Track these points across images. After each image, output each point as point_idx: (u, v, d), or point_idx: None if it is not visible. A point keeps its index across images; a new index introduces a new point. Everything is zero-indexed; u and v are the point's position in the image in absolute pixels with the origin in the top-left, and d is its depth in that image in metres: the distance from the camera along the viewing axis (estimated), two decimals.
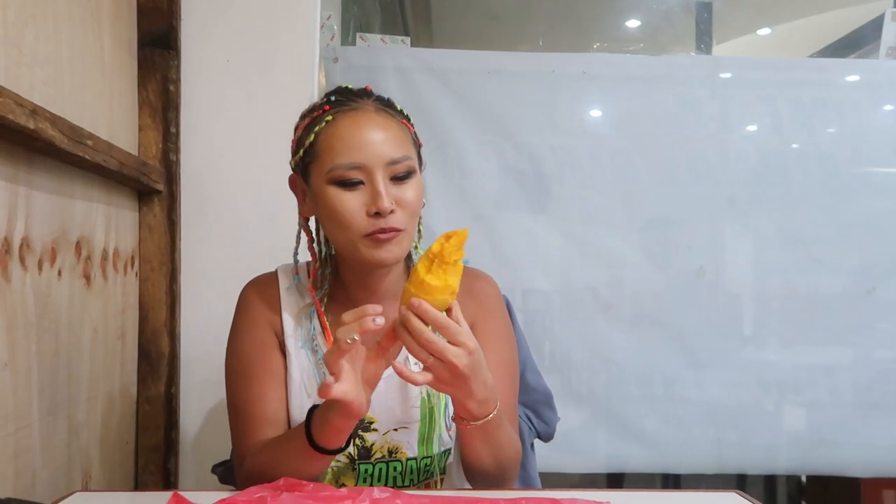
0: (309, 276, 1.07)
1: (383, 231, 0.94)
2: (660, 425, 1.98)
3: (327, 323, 1.05)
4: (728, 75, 2.00)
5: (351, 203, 0.95)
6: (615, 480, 2.12)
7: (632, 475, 2.08)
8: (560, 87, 1.97)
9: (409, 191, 0.97)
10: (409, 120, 1.05)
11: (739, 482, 2.11)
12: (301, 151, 1.00)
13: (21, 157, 1.07)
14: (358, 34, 2.32)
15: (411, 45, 2.30)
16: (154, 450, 1.59)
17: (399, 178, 0.97)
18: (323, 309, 1.06)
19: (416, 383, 0.87)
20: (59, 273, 1.19)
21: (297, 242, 1.09)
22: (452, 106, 1.94)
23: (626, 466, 2.01)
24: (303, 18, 1.71)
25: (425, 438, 1.04)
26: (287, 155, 1.06)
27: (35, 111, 1.01)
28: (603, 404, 1.98)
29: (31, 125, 1.00)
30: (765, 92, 2.00)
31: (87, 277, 1.31)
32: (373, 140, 0.96)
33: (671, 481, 2.13)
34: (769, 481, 2.36)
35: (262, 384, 1.03)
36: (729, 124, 2.00)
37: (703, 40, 2.88)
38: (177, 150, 1.63)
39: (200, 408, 1.66)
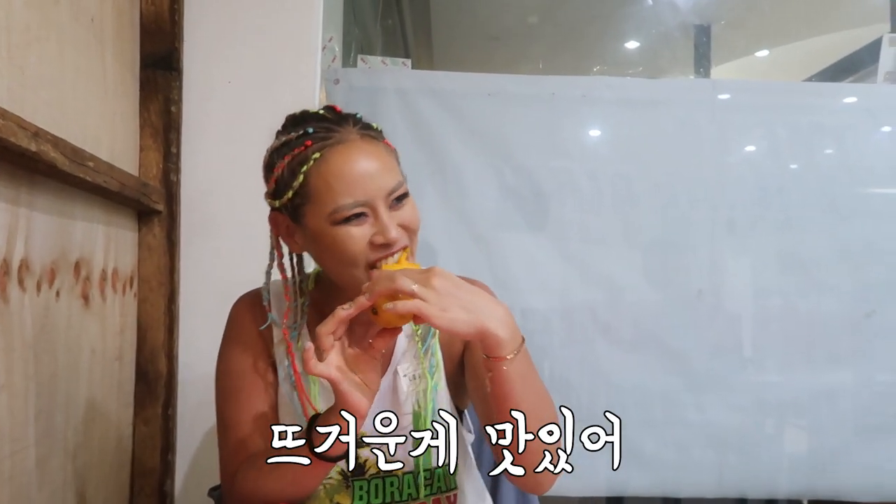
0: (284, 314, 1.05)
1: (391, 255, 0.94)
2: (659, 448, 1.96)
3: (298, 367, 1.03)
4: (726, 97, 2.01)
5: (357, 237, 0.93)
6: None
7: (631, 499, 2.06)
8: (560, 109, 1.98)
9: (407, 211, 0.97)
10: (387, 138, 1.03)
11: None
12: (290, 193, 0.96)
13: (23, 179, 1.08)
14: (359, 56, 2.33)
15: (412, 67, 2.31)
16: (150, 473, 1.57)
17: (396, 201, 0.96)
18: (295, 350, 1.03)
19: (415, 311, 0.81)
20: (58, 294, 1.19)
21: (268, 278, 1.07)
22: (452, 127, 1.95)
23: (625, 490, 1.99)
24: (304, 40, 1.73)
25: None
26: None
27: (37, 134, 1.01)
28: (602, 426, 1.96)
29: (34, 147, 1.00)
30: (763, 115, 2.01)
31: (86, 298, 1.31)
32: (370, 173, 0.94)
33: None
34: None
35: (252, 400, 1.03)
36: (728, 147, 2.00)
37: (702, 63, 2.91)
38: (177, 171, 1.64)
39: (198, 430, 1.65)
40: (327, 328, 0.84)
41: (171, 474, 1.62)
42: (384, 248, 0.93)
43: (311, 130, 0.96)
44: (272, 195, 1.00)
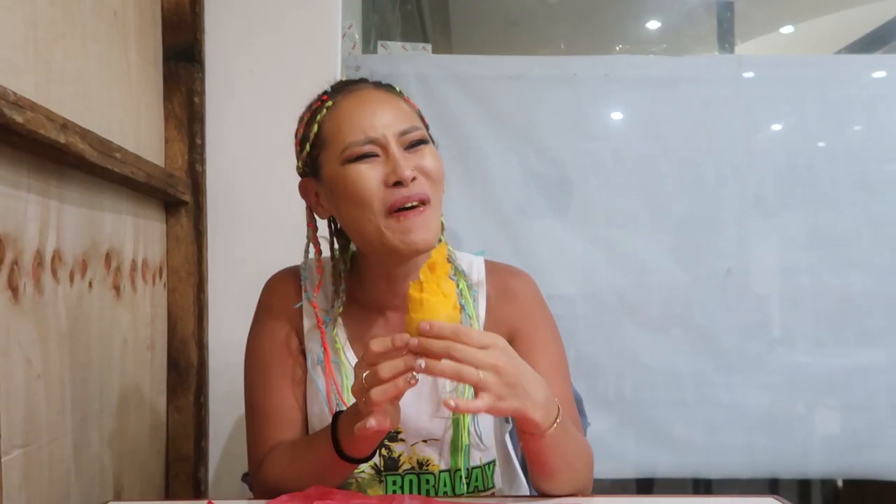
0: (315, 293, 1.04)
1: (408, 200, 0.91)
2: (690, 429, 1.95)
3: (330, 343, 1.02)
4: (752, 74, 1.98)
5: (369, 175, 0.91)
6: (645, 486, 2.10)
7: (662, 481, 2.05)
8: (583, 90, 1.96)
9: (427, 157, 0.95)
10: (410, 98, 1.03)
11: (773, 486, 2.07)
12: (307, 146, 0.98)
13: (52, 171, 1.09)
14: (379, 42, 2.32)
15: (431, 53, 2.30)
16: (184, 459, 1.60)
17: (414, 146, 0.94)
18: (328, 329, 1.02)
19: (479, 411, 0.80)
20: (90, 285, 1.21)
21: (307, 256, 1.06)
22: (475, 112, 1.94)
23: (655, 472, 1.99)
24: (324, 28, 1.72)
25: (458, 450, 1.00)
26: None
27: (65, 125, 1.03)
28: (631, 409, 1.96)
29: (62, 139, 1.01)
30: (790, 90, 1.97)
31: (117, 288, 1.33)
32: (380, 113, 0.94)
33: (702, 486, 2.09)
34: (804, 486, 2.31)
35: (281, 386, 1.02)
36: (754, 124, 1.97)
37: (727, 39, 2.85)
38: (203, 162, 1.65)
39: (229, 417, 1.67)
40: (387, 395, 0.78)
41: (205, 461, 1.64)
42: (398, 187, 0.91)
43: (328, 90, 1.01)
44: (297, 156, 1.02)
